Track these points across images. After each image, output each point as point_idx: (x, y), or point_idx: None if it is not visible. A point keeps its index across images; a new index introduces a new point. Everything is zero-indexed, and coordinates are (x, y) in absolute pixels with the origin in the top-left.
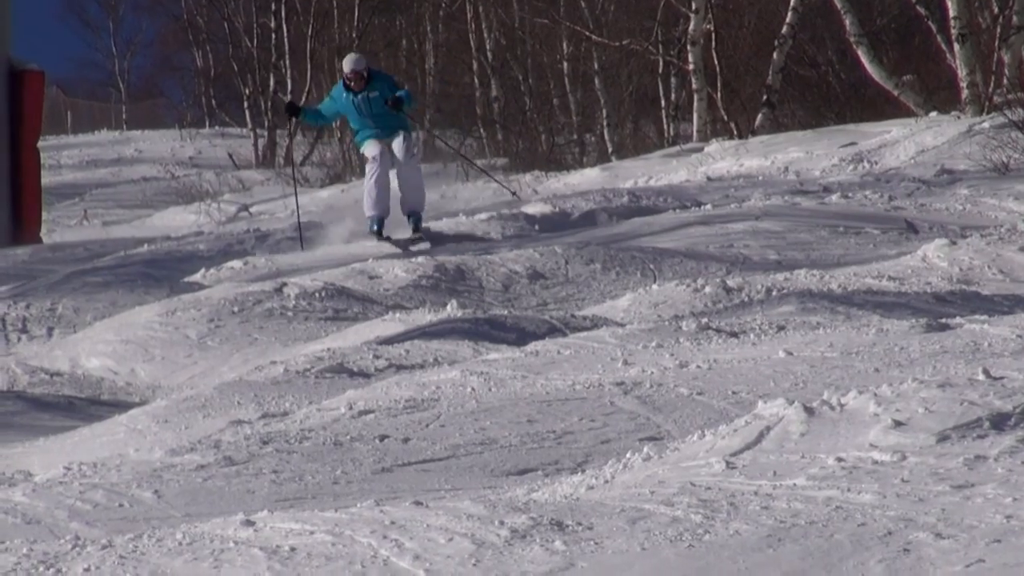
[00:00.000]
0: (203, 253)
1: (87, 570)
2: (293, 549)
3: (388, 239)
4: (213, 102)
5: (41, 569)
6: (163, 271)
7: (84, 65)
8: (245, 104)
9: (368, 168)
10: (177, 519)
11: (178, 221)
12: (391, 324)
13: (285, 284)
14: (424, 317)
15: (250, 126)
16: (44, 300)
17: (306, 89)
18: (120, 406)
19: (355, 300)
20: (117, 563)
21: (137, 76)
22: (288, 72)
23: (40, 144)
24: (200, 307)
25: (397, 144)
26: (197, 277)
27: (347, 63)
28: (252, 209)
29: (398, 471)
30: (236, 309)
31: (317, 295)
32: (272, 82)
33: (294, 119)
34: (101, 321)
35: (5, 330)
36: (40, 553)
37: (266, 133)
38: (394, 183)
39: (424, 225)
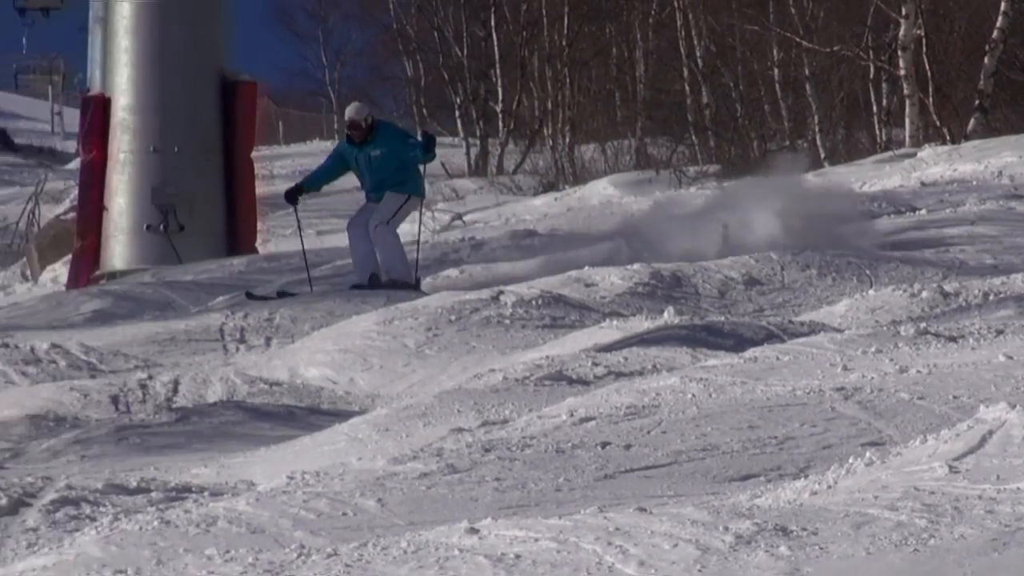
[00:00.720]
0: (419, 262)
1: None
2: (518, 556)
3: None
4: (424, 111)
5: None
6: None
7: (294, 75)
8: (456, 113)
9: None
10: (401, 527)
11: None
12: (608, 331)
13: (502, 292)
14: (641, 324)
15: (462, 135)
16: (261, 310)
17: (516, 99)
18: (340, 415)
19: (572, 308)
20: (343, 571)
21: (347, 86)
22: (499, 80)
23: (254, 155)
24: (417, 316)
25: (376, 214)
26: None
27: (347, 111)
28: (466, 217)
29: (620, 478)
30: (453, 317)
31: (534, 303)
32: (483, 91)
33: (295, 206)
34: (319, 330)
35: (223, 340)
36: (266, 562)
37: (478, 142)
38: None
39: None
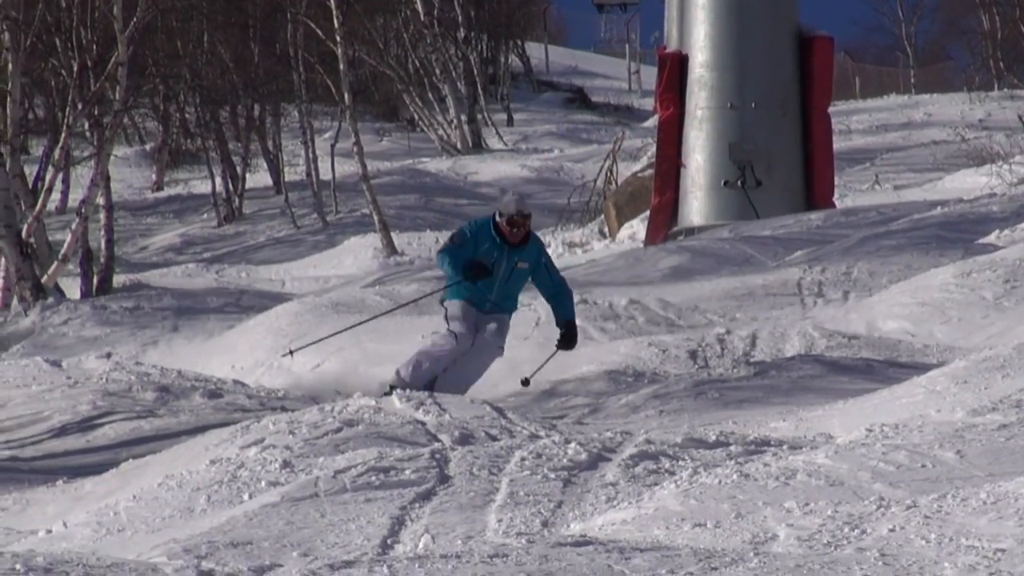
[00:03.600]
0: (996, 215)
1: (892, 530)
2: None
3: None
4: (1000, 64)
5: (846, 530)
6: (956, 233)
7: (871, 30)
8: None
9: (444, 341)
10: (980, 479)
11: (969, 183)
12: None
13: None
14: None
15: None
16: (839, 264)
17: None
18: (918, 368)
19: None
20: (922, 523)
21: (923, 40)
22: None
23: (830, 109)
24: (995, 268)
25: (491, 330)
26: (991, 238)
27: (514, 202)
28: None
29: None
30: None
31: None
32: None
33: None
34: (896, 284)
35: (801, 294)
36: (844, 514)
37: None
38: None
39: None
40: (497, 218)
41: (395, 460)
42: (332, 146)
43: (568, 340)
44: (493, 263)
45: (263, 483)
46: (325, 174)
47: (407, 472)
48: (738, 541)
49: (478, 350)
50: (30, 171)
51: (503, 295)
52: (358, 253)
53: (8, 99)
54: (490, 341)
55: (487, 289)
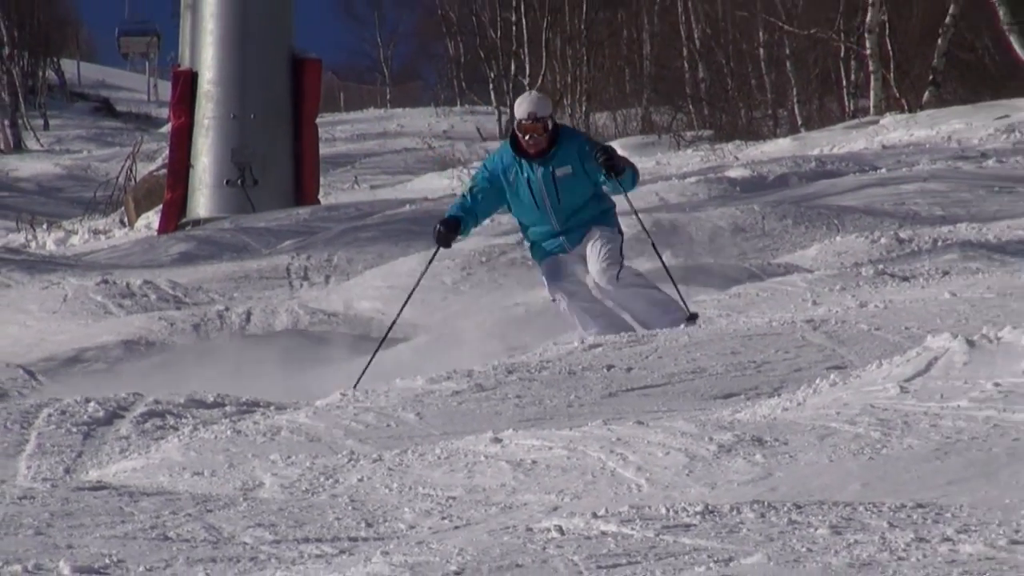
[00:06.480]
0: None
1: (360, 480)
2: (534, 462)
3: None
4: (463, 84)
5: (322, 479)
6: (422, 227)
7: (354, 53)
8: (490, 86)
9: (557, 309)
10: (436, 437)
11: (435, 185)
12: None
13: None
14: (643, 266)
15: (494, 104)
16: (322, 252)
17: (541, 73)
18: (387, 341)
19: None
20: (386, 474)
21: (398, 62)
22: (526, 58)
23: (318, 121)
24: (454, 258)
25: (592, 257)
26: None
27: (524, 104)
28: None
29: (622, 395)
30: (484, 259)
31: None
32: (513, 67)
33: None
34: (370, 270)
35: (290, 277)
36: (321, 466)
37: (508, 110)
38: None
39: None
40: (516, 129)
41: None
42: None
43: (604, 153)
44: (532, 186)
45: None
46: None
47: None
48: (230, 487)
49: (617, 294)
50: None
51: (568, 217)
52: None
53: None
54: (618, 274)
55: (542, 225)
